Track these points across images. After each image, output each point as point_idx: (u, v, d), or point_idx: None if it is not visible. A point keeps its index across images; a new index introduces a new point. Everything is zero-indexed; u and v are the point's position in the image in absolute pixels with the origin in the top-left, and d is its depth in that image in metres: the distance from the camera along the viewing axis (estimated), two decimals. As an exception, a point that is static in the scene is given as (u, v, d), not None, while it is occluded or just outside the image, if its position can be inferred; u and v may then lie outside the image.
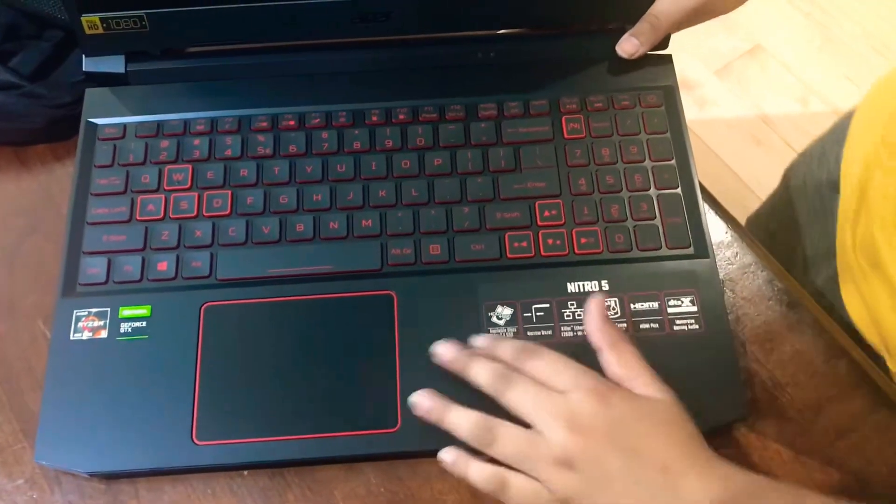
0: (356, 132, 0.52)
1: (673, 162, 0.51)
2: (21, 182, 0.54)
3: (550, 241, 0.48)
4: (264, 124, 0.52)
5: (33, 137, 0.55)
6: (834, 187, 0.58)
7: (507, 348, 0.43)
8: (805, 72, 1.30)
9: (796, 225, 0.65)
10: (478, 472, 0.41)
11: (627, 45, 0.52)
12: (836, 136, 0.61)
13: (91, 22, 0.51)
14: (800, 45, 1.31)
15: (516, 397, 0.41)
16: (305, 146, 0.52)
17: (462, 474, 0.41)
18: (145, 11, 0.51)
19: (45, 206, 0.53)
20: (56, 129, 0.55)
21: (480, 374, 0.42)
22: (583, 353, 0.43)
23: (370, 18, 0.52)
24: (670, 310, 0.47)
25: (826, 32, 1.35)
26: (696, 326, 0.46)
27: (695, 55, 1.29)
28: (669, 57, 0.54)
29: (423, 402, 0.43)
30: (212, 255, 0.49)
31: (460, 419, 0.42)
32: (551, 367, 0.42)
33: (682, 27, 0.52)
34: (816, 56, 1.32)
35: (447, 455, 0.42)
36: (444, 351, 0.44)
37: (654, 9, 0.51)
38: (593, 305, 0.43)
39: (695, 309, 0.47)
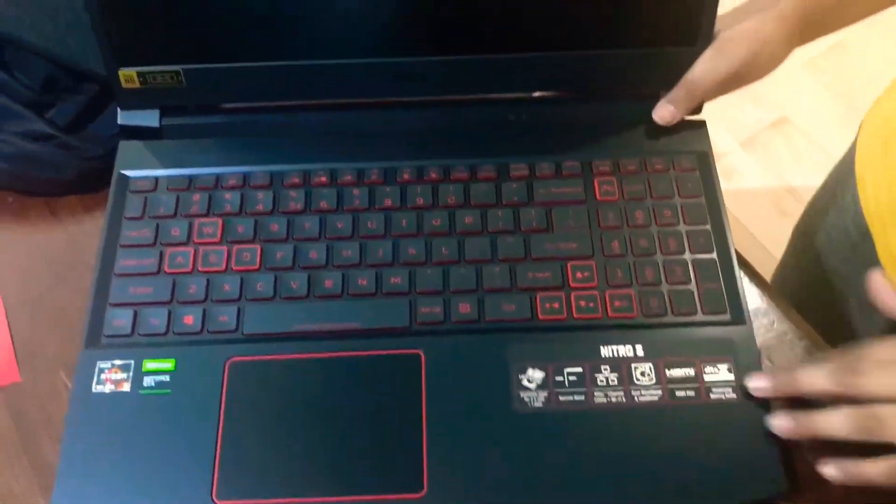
0: (387, 189, 0.52)
1: (708, 227, 0.50)
2: (51, 232, 0.54)
3: (583, 303, 0.48)
4: (296, 180, 0.52)
5: (65, 189, 0.55)
6: (862, 232, 0.57)
7: (820, 378, 0.42)
8: (829, 143, 1.30)
9: (831, 280, 0.63)
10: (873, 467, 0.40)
11: (664, 112, 0.52)
12: (842, 180, 0.60)
13: (128, 76, 0.52)
14: (823, 116, 1.32)
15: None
16: (336, 202, 0.51)
17: (859, 473, 0.40)
18: (182, 66, 0.52)
19: (73, 256, 0.53)
20: (87, 181, 0.55)
21: (835, 425, 0.41)
22: (619, 422, 0.42)
23: (405, 79, 0.53)
24: (707, 377, 0.45)
25: (849, 103, 1.36)
26: (733, 395, 0.45)
27: (721, 126, 1.30)
28: (703, 123, 0.54)
29: (785, 424, 0.42)
30: (239, 309, 0.48)
31: (833, 421, 0.41)
32: (886, 374, 0.40)
33: (717, 94, 0.52)
34: (840, 127, 1.32)
35: (832, 469, 0.41)
36: (781, 423, 0.43)
37: (691, 75, 0.51)
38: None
39: (731, 377, 0.45)
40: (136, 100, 0.53)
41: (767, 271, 0.64)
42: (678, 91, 0.52)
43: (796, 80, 1.32)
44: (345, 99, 0.55)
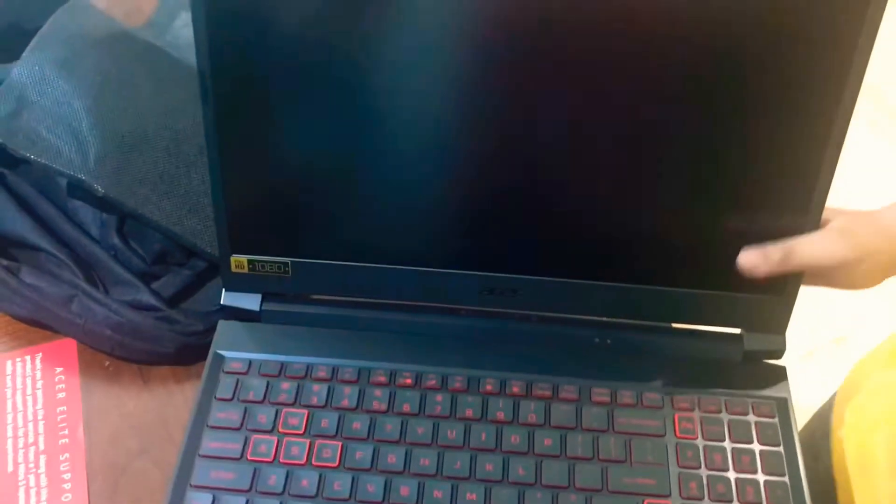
0: (469, 399, 0.53)
1: (786, 479, 0.50)
2: (140, 401, 0.56)
3: (658, 544, 0.47)
4: (382, 379, 0.54)
5: (161, 360, 0.57)
6: None
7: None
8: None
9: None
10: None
11: (753, 258, 0.51)
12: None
13: (239, 262, 0.55)
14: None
15: None
16: (419, 406, 0.53)
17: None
18: (291, 259, 0.55)
19: (159, 429, 0.55)
20: (183, 354, 0.57)
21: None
22: None
23: (497, 293, 0.55)
24: None
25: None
26: None
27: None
28: (784, 369, 0.55)
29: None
30: (315, 506, 0.49)
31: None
32: None
33: (811, 281, 0.52)
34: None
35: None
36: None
37: (798, 245, 0.50)
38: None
39: None
40: (241, 283, 0.56)
41: None
42: (776, 251, 0.50)
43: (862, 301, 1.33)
44: (435, 303, 0.57)
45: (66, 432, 0.54)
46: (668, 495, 0.49)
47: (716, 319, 0.56)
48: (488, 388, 0.54)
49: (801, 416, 0.64)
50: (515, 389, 0.54)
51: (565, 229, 0.54)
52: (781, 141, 0.49)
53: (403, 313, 0.58)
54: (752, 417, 0.52)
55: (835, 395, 0.63)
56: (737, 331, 0.56)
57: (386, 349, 0.56)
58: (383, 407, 0.53)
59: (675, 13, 0.46)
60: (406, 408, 0.53)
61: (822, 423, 0.61)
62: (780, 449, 0.51)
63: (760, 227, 0.51)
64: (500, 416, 0.52)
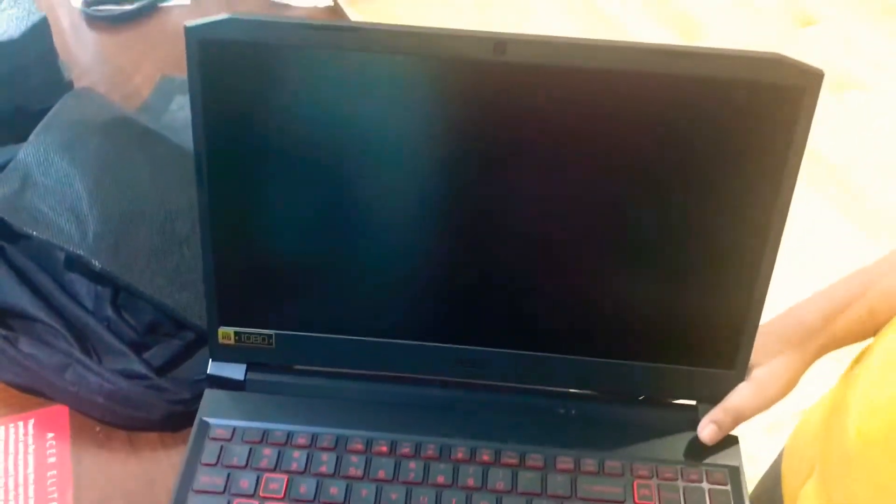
0: (441, 466, 0.56)
1: None
2: (129, 466, 0.59)
3: None
4: (359, 446, 0.57)
5: (149, 426, 0.60)
6: None
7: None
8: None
9: None
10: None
11: (711, 433, 0.57)
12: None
13: (226, 334, 0.59)
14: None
15: None
16: (393, 473, 0.56)
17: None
18: (275, 332, 0.59)
19: (146, 493, 0.57)
20: (171, 421, 0.60)
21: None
22: None
23: (469, 364, 0.59)
24: None
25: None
26: None
27: None
28: (736, 438, 0.58)
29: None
30: (293, 569, 0.51)
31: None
32: None
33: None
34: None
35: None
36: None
37: (736, 405, 0.57)
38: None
39: None
40: (227, 354, 0.60)
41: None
42: (724, 416, 0.57)
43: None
44: (411, 374, 0.61)
45: (56, 496, 0.56)
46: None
47: (672, 392, 0.60)
48: (459, 455, 0.57)
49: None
50: (485, 457, 0.57)
51: (533, 308, 0.58)
52: (726, 233, 0.54)
53: (380, 383, 0.61)
54: (706, 485, 0.56)
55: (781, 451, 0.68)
56: (692, 402, 0.59)
57: (363, 418, 0.59)
58: (359, 473, 0.56)
59: (626, 118, 0.51)
60: (381, 474, 0.56)
61: (772, 478, 0.65)
62: None
63: (712, 306, 0.56)
64: (471, 482, 0.55)
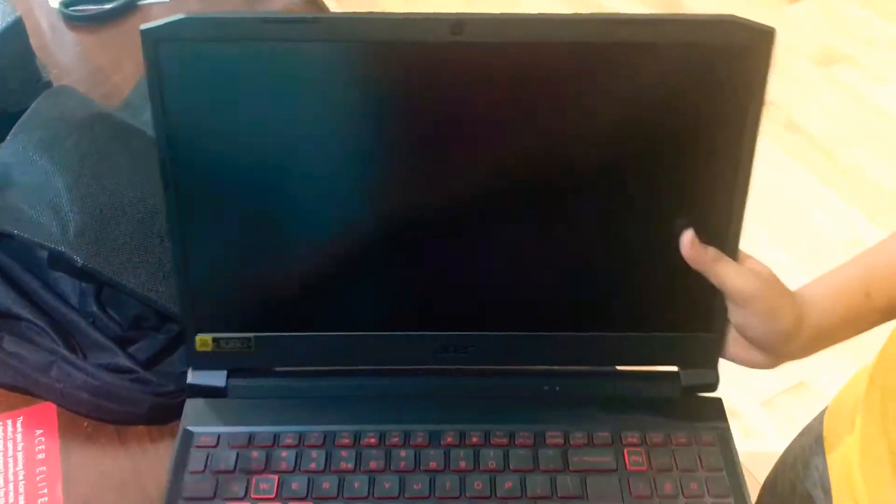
0: (432, 452, 0.56)
1: (731, 500, 0.54)
2: (117, 459, 0.59)
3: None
4: (347, 441, 0.56)
5: (136, 419, 0.60)
6: (827, 491, 0.61)
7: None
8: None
9: None
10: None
11: (689, 237, 0.54)
12: (811, 441, 0.65)
13: (204, 341, 0.58)
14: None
15: None
16: (385, 463, 0.55)
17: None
18: (254, 334, 0.58)
19: (135, 485, 0.57)
20: (158, 414, 0.60)
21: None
22: None
23: (450, 350, 0.59)
24: None
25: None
26: None
27: (743, 389, 1.36)
28: (719, 400, 0.59)
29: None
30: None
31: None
32: None
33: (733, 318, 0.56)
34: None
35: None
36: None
37: (716, 260, 0.54)
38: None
39: None
40: (207, 361, 0.59)
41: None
42: (711, 250, 0.54)
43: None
44: (393, 366, 0.61)
45: (46, 491, 0.56)
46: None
47: (654, 359, 0.60)
48: (449, 440, 0.57)
49: (763, 459, 0.68)
50: (475, 440, 0.57)
51: (508, 287, 0.58)
52: (693, 195, 0.54)
53: (364, 377, 0.61)
54: (695, 447, 0.56)
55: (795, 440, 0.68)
56: (674, 369, 0.60)
57: (349, 412, 0.58)
58: (350, 466, 0.55)
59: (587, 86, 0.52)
60: (373, 465, 0.55)
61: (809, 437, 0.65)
62: (724, 474, 0.55)
63: (685, 270, 0.56)
64: (462, 465, 0.55)
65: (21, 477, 0.57)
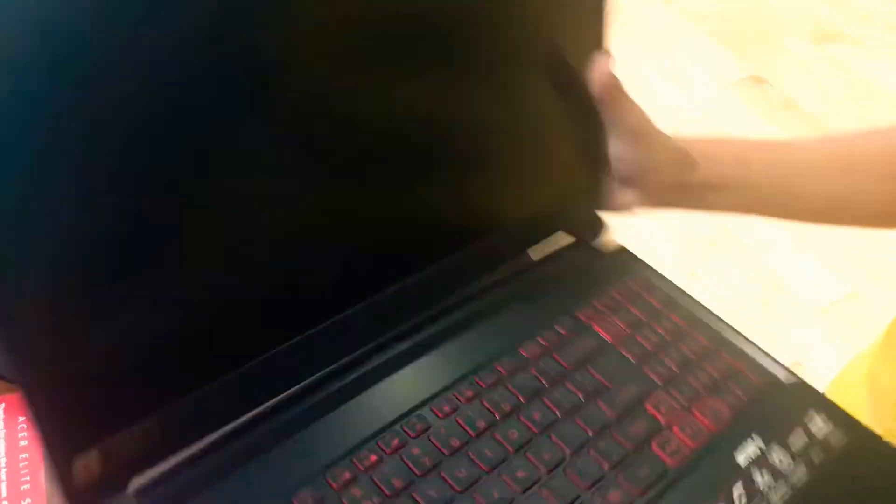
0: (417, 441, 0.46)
1: (697, 313, 0.54)
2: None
3: (687, 429, 0.47)
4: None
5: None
6: None
7: None
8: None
9: None
10: None
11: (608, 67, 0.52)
12: None
13: (88, 463, 0.38)
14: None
15: None
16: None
17: None
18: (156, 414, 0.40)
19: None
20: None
21: None
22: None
23: (373, 321, 0.49)
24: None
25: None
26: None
27: None
28: (623, 247, 0.59)
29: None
30: None
31: None
32: None
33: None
34: None
35: None
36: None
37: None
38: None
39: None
40: (97, 490, 0.39)
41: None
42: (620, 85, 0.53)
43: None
44: (303, 381, 0.49)
45: (28, 478, 0.53)
46: (659, 386, 0.49)
47: (550, 229, 0.58)
48: (439, 413, 0.47)
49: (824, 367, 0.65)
50: (468, 394, 0.48)
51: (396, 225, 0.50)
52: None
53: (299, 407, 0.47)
54: (640, 291, 0.55)
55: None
56: (573, 239, 0.58)
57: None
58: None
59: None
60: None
61: None
62: (678, 298, 0.55)
63: (556, 137, 0.54)
64: (482, 424, 0.46)
65: (3, 464, 0.54)
